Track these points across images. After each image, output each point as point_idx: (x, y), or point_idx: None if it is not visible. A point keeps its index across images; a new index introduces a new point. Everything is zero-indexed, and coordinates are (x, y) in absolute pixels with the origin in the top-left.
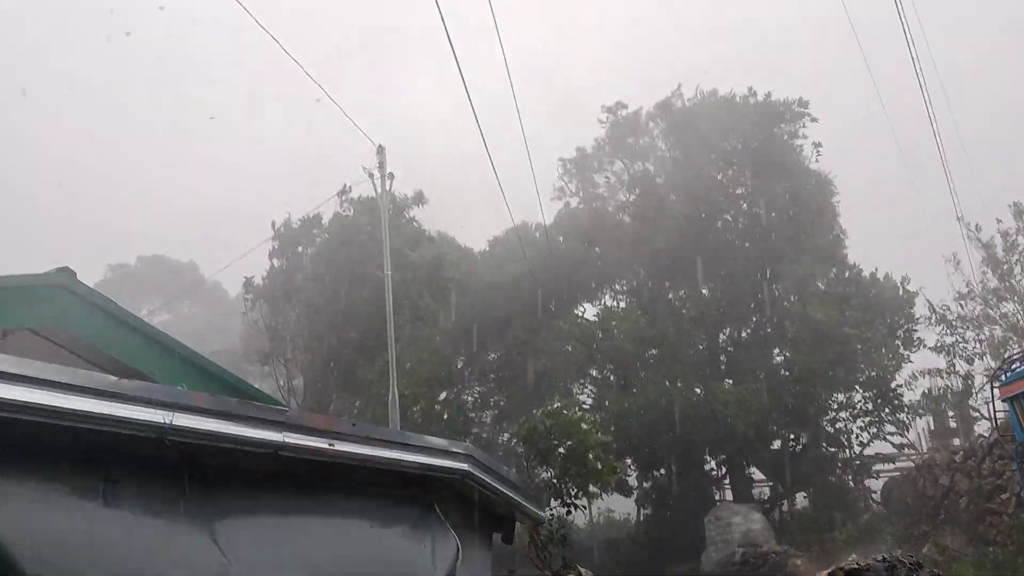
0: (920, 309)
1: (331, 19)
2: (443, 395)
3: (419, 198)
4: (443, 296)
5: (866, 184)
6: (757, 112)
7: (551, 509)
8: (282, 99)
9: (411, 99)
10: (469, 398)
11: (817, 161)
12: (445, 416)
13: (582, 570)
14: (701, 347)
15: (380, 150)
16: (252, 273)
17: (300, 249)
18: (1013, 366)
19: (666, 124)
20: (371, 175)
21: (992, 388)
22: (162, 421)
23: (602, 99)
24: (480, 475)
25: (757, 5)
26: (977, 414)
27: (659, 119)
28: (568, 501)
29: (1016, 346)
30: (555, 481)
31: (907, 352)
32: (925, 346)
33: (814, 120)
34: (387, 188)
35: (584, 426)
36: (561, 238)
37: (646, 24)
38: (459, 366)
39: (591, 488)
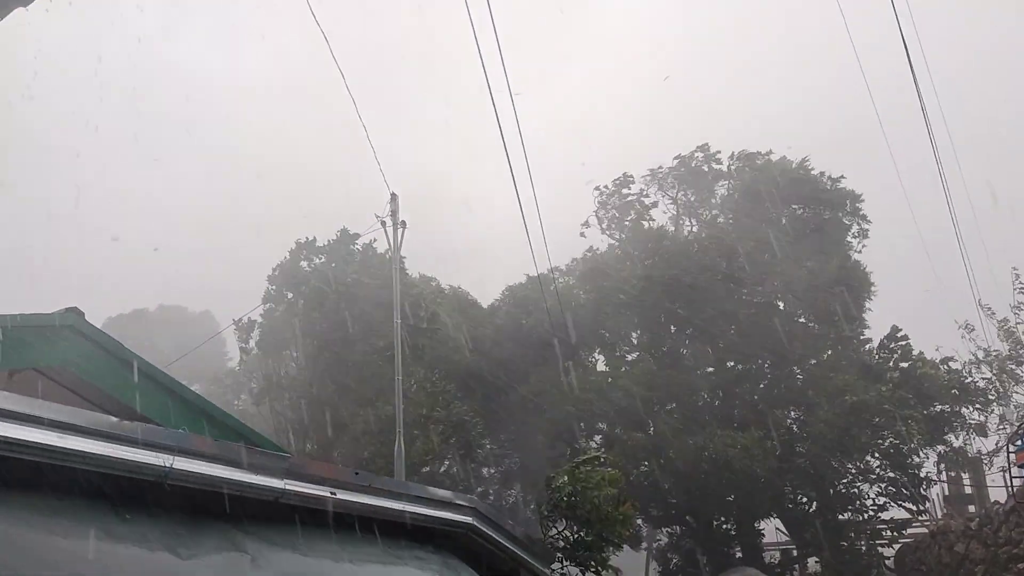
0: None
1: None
2: (449, 454)
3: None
4: (453, 352)
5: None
6: (808, 185)
7: (563, 570)
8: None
9: (423, 148)
10: (479, 452)
11: (860, 251)
12: (453, 470)
13: None
14: (716, 403)
15: (393, 198)
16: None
17: (292, 296)
18: None
19: (731, 181)
20: (383, 223)
21: (1009, 454)
22: (163, 464)
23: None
24: (485, 529)
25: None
26: (992, 481)
27: (727, 174)
28: (587, 566)
29: None
30: (574, 538)
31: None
32: (961, 429)
33: (864, 217)
34: (399, 236)
35: (604, 482)
36: (581, 293)
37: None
38: (470, 420)
39: (606, 550)
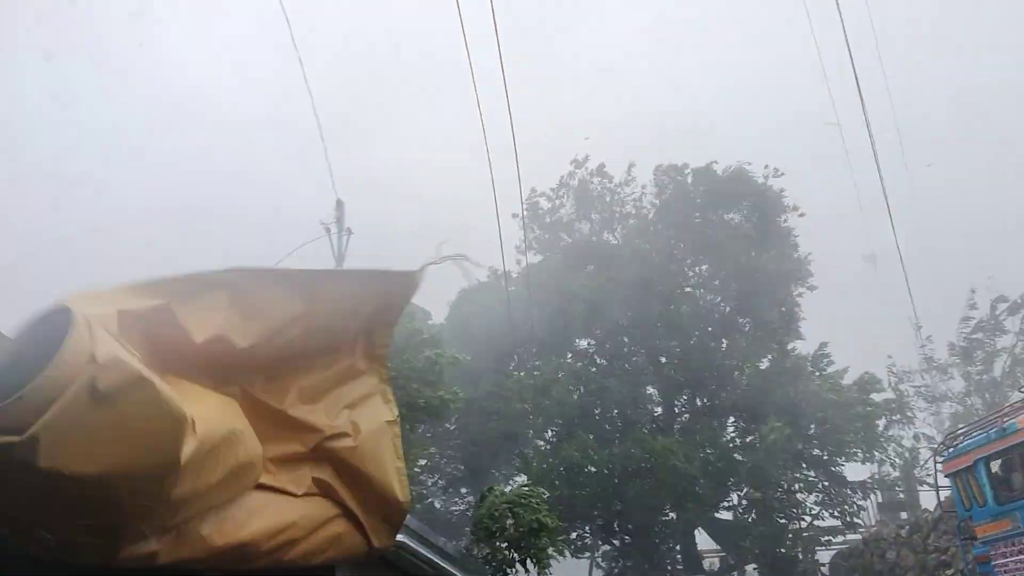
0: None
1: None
2: None
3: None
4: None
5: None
6: (753, 193)
7: None
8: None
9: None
10: (422, 461)
11: (797, 248)
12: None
13: None
14: (657, 412)
15: (339, 205)
16: None
17: None
18: (955, 442)
19: (660, 188)
20: (328, 229)
21: (935, 464)
22: None
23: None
24: (415, 546)
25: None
26: (924, 487)
27: (656, 181)
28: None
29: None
30: (505, 554)
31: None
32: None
33: (802, 215)
34: (344, 244)
35: (537, 507)
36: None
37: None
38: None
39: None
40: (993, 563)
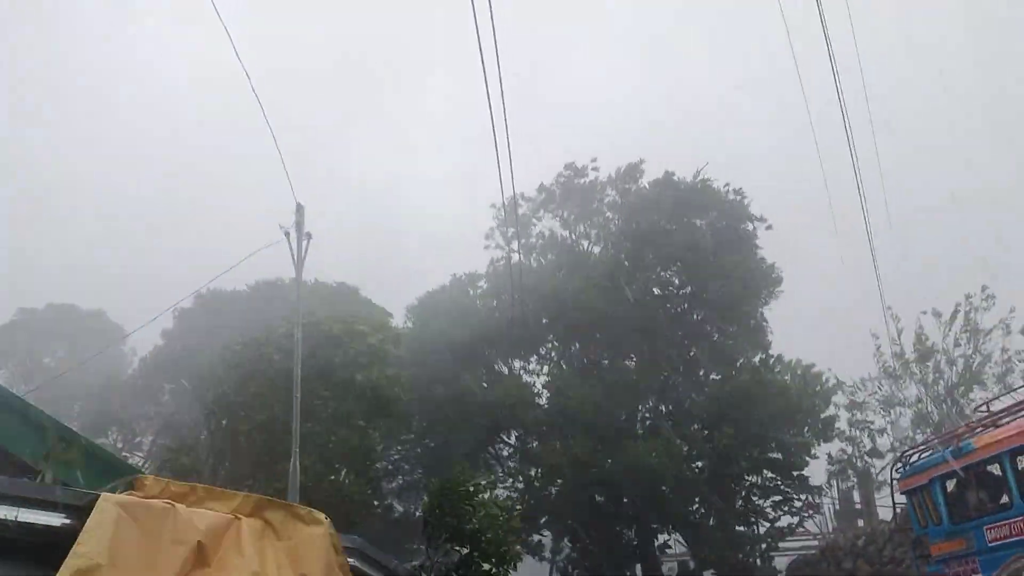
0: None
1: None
2: (352, 474)
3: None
4: (361, 367)
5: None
6: (716, 205)
7: None
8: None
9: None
10: (386, 468)
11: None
12: (355, 491)
13: None
14: (623, 416)
15: (299, 209)
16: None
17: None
18: (911, 460)
19: (622, 197)
20: (287, 233)
21: (892, 479)
22: None
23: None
24: (368, 571)
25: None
26: (879, 494)
27: (617, 189)
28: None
29: (921, 434)
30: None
31: (818, 441)
32: (837, 436)
33: (769, 228)
34: (304, 248)
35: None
36: (495, 302)
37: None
38: (375, 437)
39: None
40: None
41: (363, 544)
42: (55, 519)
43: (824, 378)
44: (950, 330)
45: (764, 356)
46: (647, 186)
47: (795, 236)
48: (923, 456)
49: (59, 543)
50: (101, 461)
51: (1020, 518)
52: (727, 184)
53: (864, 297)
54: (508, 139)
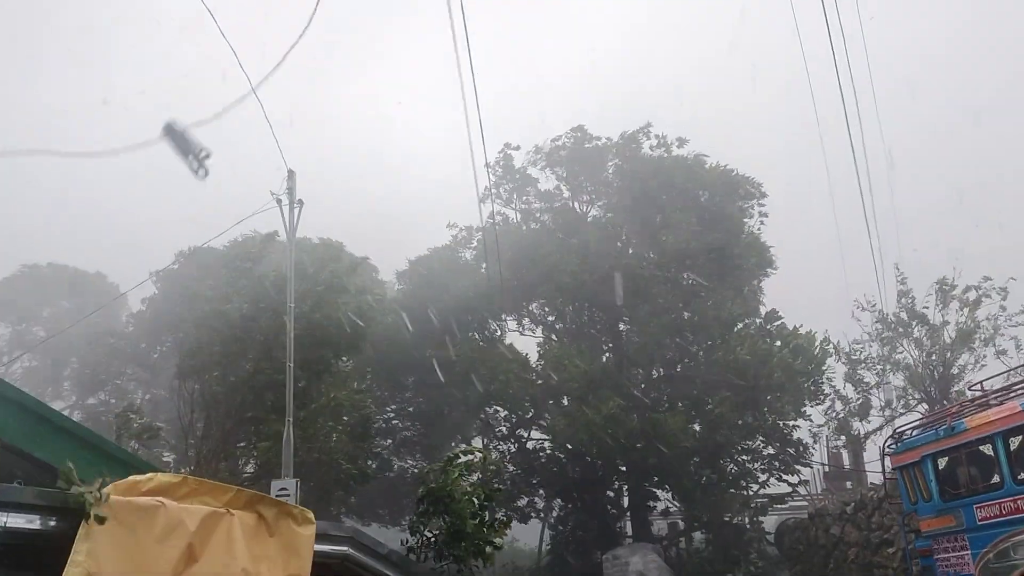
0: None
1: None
2: (344, 435)
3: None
4: (357, 329)
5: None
6: (713, 178)
7: (442, 565)
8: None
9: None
10: (381, 432)
11: (759, 229)
12: (348, 461)
13: None
14: (618, 380)
15: (290, 175)
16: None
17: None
18: (903, 437)
19: (625, 163)
20: (279, 200)
21: (884, 453)
22: None
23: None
24: (361, 556)
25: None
26: (869, 455)
27: (619, 156)
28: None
29: (913, 397)
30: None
31: (811, 403)
32: (832, 395)
33: (763, 202)
34: (295, 215)
35: (465, 491)
36: (484, 266)
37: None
38: (369, 402)
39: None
40: (935, 557)
41: (355, 531)
42: (46, 523)
43: (819, 342)
44: (950, 298)
45: (760, 323)
46: (650, 151)
47: (794, 200)
48: (916, 433)
49: (50, 547)
50: (121, 463)
51: (1010, 498)
52: (717, 164)
53: (862, 264)
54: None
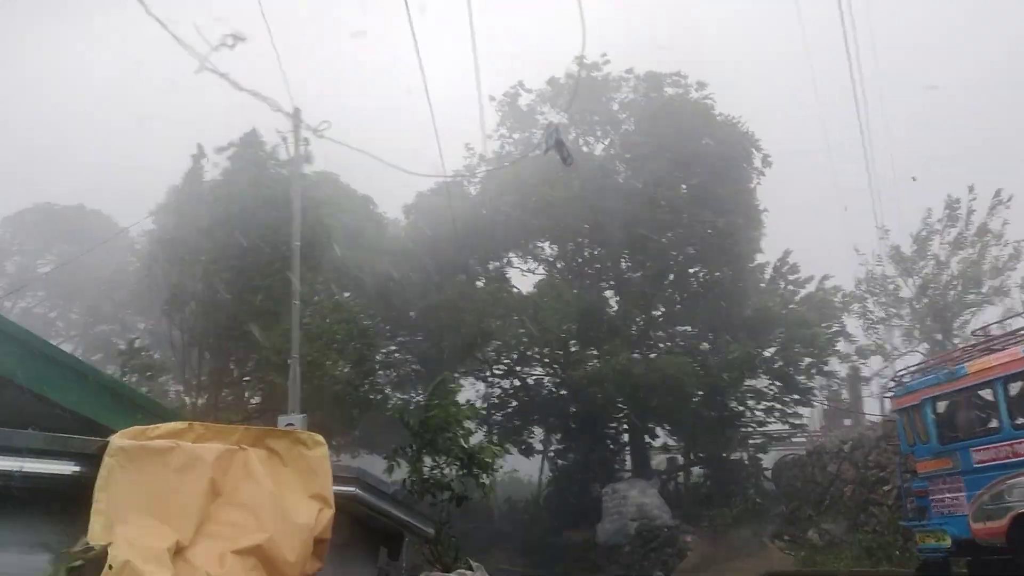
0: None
1: None
2: (348, 363)
3: None
4: (360, 259)
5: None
6: (712, 123)
7: (442, 500)
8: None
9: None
10: (381, 362)
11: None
12: (351, 386)
13: (473, 564)
14: (621, 320)
15: (296, 113)
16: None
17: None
18: (903, 379)
19: (640, 98)
20: (284, 139)
21: (884, 396)
22: None
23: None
24: (368, 497)
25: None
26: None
27: (636, 92)
28: (457, 494)
29: (916, 338)
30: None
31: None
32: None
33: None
34: (301, 152)
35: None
36: (484, 210)
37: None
38: (370, 330)
39: (482, 477)
40: (930, 497)
41: (362, 472)
42: (65, 467)
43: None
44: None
45: (767, 263)
46: (669, 90)
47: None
48: (917, 377)
49: (67, 493)
50: (137, 406)
51: (1007, 442)
52: (721, 114)
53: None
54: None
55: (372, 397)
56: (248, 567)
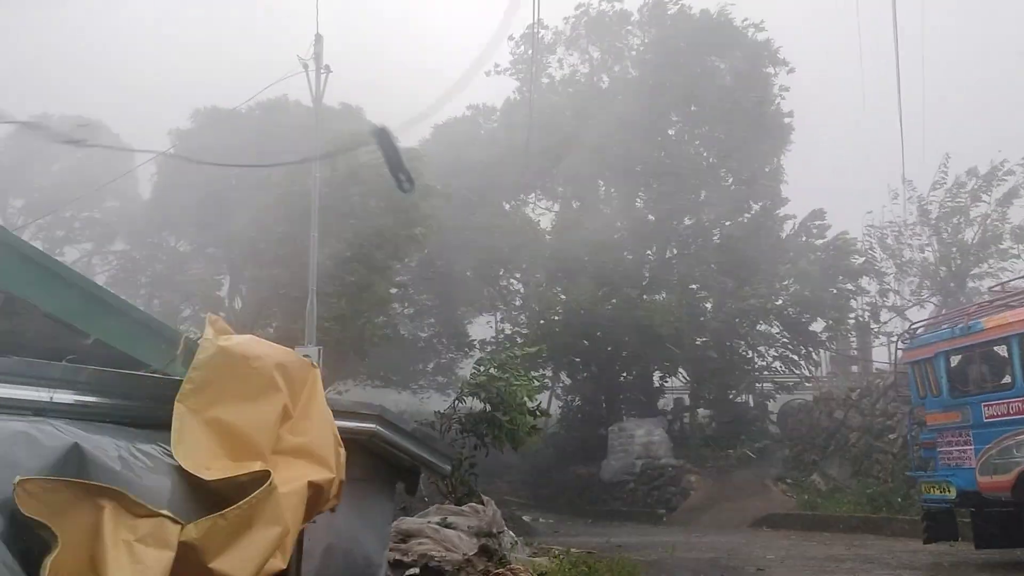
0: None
1: None
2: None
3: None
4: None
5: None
6: (737, 43)
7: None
8: None
9: None
10: (397, 297)
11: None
12: (373, 331)
13: (484, 498)
14: (631, 257)
15: (318, 39)
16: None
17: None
18: (918, 331)
19: (651, 27)
20: (306, 66)
21: (896, 346)
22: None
23: None
24: (388, 434)
25: None
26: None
27: (642, 25)
28: (482, 437)
29: (926, 289)
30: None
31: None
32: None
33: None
34: (323, 81)
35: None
36: (501, 151)
37: None
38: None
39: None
40: (938, 449)
41: (382, 409)
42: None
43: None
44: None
45: (772, 208)
46: (669, 22)
47: (822, 78)
48: (930, 330)
49: None
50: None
51: (1020, 398)
52: (746, 19)
53: (889, 148)
54: None
55: (388, 333)
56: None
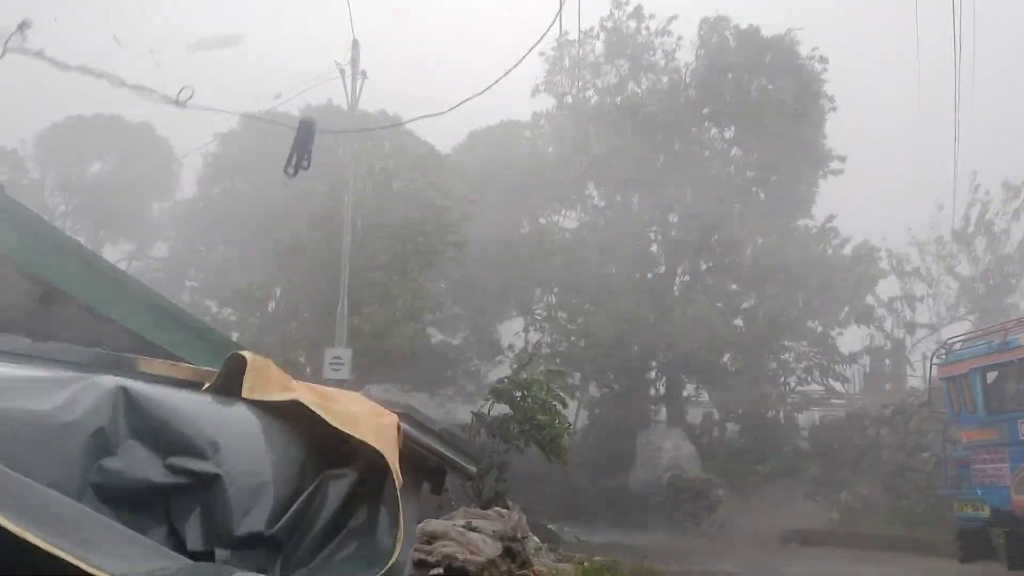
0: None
1: None
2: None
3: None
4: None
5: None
6: (782, 59)
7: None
8: None
9: None
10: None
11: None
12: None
13: (509, 503)
14: (661, 271)
15: (355, 45)
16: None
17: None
18: (954, 347)
19: (703, 41)
20: (342, 71)
21: (931, 362)
22: None
23: None
24: (414, 432)
25: None
26: (911, 369)
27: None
28: (510, 440)
29: (963, 307)
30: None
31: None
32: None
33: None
34: (359, 87)
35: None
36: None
37: None
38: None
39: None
40: (972, 467)
41: (410, 408)
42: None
43: (876, 254)
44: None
45: (816, 226)
46: (729, 38)
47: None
48: (967, 345)
49: None
50: (211, 342)
51: None
52: (815, 49)
53: (936, 168)
54: None
55: (419, 341)
56: None
